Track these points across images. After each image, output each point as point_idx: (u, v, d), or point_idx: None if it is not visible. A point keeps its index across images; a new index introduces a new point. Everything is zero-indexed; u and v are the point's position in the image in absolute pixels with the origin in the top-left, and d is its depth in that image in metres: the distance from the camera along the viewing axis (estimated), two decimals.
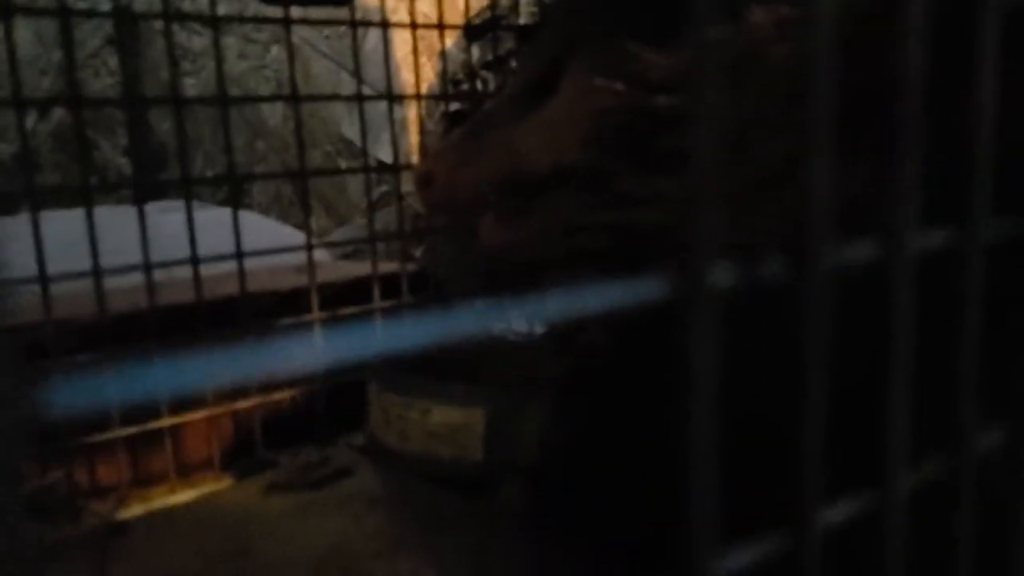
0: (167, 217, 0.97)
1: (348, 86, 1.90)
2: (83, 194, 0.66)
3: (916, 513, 0.22)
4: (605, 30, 0.70)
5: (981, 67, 0.22)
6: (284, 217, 1.79)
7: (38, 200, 0.64)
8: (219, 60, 0.76)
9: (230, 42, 1.65)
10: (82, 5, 1.54)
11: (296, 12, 0.80)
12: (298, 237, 1.43)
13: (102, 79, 1.55)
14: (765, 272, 0.17)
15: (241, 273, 0.74)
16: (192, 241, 0.71)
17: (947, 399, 0.23)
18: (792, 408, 0.20)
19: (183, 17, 1.22)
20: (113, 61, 1.52)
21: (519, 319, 0.95)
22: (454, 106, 1.03)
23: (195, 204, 0.77)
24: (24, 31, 1.59)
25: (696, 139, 0.16)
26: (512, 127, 0.72)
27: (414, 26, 0.86)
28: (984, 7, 0.22)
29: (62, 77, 1.57)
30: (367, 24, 0.83)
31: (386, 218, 1.71)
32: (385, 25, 0.84)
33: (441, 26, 0.88)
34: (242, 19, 1.44)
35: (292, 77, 0.77)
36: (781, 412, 0.20)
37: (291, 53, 0.77)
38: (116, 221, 0.80)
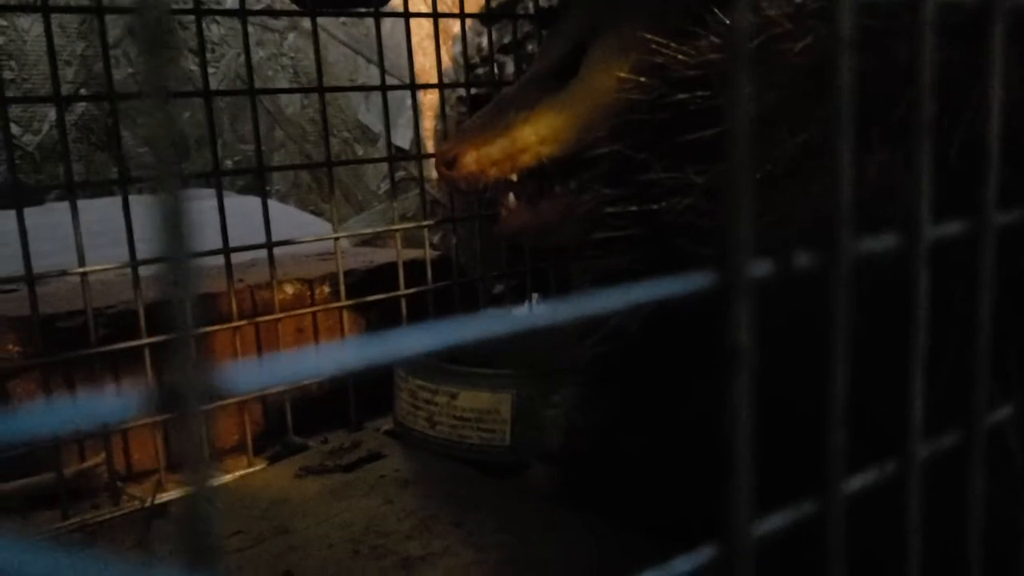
0: (192, 205, 0.99)
1: (364, 72, 1.91)
2: (120, 187, 0.68)
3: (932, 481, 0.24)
4: (627, 16, 0.71)
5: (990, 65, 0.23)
6: (302, 203, 1.81)
7: (74, 191, 0.67)
8: (248, 51, 0.78)
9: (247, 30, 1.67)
10: None
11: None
12: (317, 224, 1.45)
13: (123, 69, 1.57)
14: (798, 263, 0.19)
15: (271, 263, 0.76)
16: (224, 232, 0.73)
17: (962, 376, 0.25)
18: (818, 385, 0.21)
19: (213, 12, 1.24)
20: (133, 51, 1.55)
21: (540, 302, 0.97)
22: (472, 89, 1.05)
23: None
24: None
25: (731, 132, 0.18)
26: (533, 109, 0.74)
27: (436, 15, 0.88)
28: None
29: (84, 68, 1.58)
30: (390, 15, 0.85)
31: (404, 204, 1.73)
32: (407, 15, 0.85)
33: (463, 15, 0.90)
34: (269, 12, 1.45)
35: (319, 68, 0.79)
36: (807, 389, 0.22)
37: (317, 48, 0.79)
38: (140, 210, 0.82)
